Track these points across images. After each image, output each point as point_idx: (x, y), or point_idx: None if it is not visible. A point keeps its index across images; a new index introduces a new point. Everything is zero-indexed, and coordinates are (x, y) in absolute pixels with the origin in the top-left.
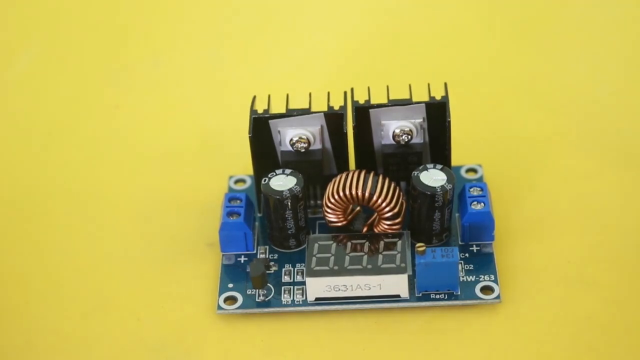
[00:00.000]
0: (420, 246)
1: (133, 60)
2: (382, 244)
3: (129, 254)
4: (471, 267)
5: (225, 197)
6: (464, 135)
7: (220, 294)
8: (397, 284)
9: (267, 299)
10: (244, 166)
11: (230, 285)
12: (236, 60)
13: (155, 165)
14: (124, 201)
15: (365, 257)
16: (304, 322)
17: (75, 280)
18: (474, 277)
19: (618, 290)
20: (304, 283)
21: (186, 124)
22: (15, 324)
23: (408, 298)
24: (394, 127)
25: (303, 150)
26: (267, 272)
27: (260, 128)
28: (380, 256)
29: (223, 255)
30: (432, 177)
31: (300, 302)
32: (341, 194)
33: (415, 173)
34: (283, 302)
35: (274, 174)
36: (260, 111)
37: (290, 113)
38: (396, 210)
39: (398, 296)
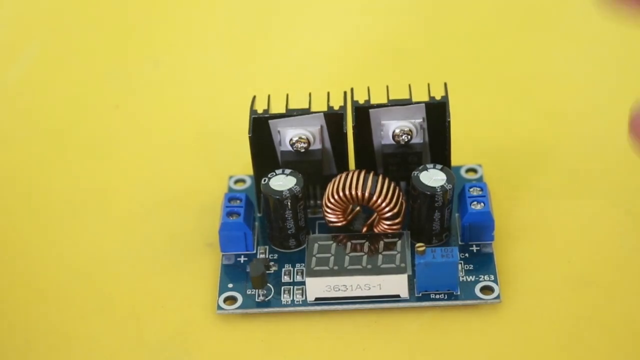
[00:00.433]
0: (420, 246)
1: (133, 60)
2: (382, 244)
3: (129, 254)
4: (471, 267)
5: (225, 197)
6: (464, 135)
7: (220, 294)
8: (397, 284)
9: (267, 299)
10: (244, 166)
11: (230, 285)
12: (236, 60)
13: (155, 165)
14: (124, 201)
15: (365, 257)
16: (304, 322)
17: (75, 280)
18: (474, 277)
19: (618, 290)
20: (303, 283)
21: (186, 124)
22: (15, 324)
23: (408, 298)
24: (393, 127)
25: (303, 150)
26: (267, 272)
27: (260, 128)
28: (380, 256)
29: (223, 255)
30: (432, 177)
31: (300, 302)
32: (341, 194)
33: (415, 173)
34: (283, 302)
35: (274, 174)
36: (260, 111)
37: (290, 113)
38: (396, 210)
39: (398, 296)
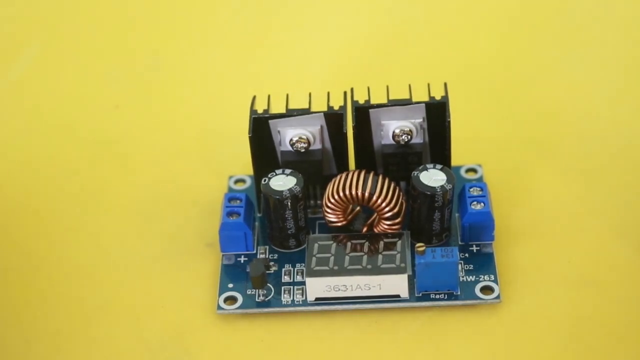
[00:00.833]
0: (420, 246)
1: (133, 61)
2: (382, 244)
3: (128, 254)
4: (471, 267)
5: (225, 197)
6: (464, 135)
7: (220, 294)
8: (397, 284)
9: (267, 299)
10: (244, 166)
11: (230, 285)
12: (236, 60)
13: (155, 165)
14: (124, 201)
15: (365, 257)
16: (304, 322)
17: (75, 280)
18: (474, 277)
19: (618, 290)
20: (303, 283)
21: (186, 124)
22: (15, 324)
23: (408, 298)
24: (393, 127)
25: (303, 150)
26: (267, 272)
27: (260, 128)
28: (380, 256)
29: (223, 255)
30: (432, 177)
31: (300, 302)
32: (341, 194)
33: (415, 173)
34: (283, 302)
35: (274, 174)
36: (260, 111)
37: (290, 113)
38: (396, 210)
39: (398, 296)
